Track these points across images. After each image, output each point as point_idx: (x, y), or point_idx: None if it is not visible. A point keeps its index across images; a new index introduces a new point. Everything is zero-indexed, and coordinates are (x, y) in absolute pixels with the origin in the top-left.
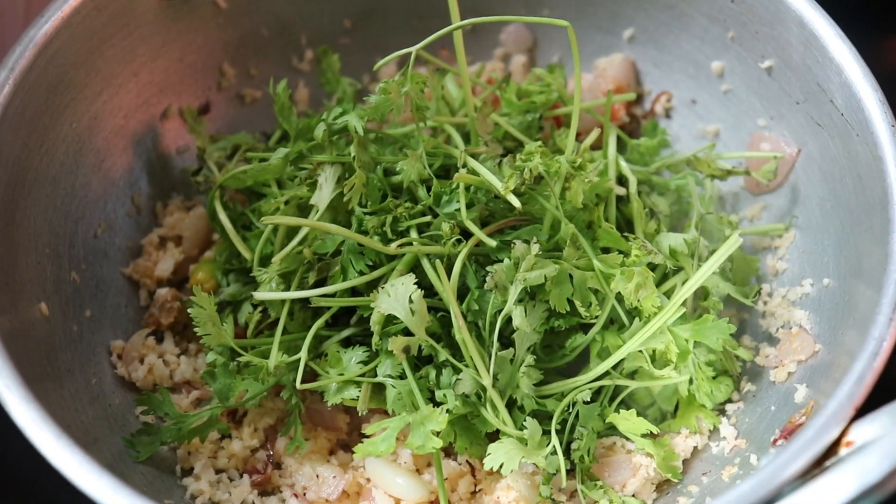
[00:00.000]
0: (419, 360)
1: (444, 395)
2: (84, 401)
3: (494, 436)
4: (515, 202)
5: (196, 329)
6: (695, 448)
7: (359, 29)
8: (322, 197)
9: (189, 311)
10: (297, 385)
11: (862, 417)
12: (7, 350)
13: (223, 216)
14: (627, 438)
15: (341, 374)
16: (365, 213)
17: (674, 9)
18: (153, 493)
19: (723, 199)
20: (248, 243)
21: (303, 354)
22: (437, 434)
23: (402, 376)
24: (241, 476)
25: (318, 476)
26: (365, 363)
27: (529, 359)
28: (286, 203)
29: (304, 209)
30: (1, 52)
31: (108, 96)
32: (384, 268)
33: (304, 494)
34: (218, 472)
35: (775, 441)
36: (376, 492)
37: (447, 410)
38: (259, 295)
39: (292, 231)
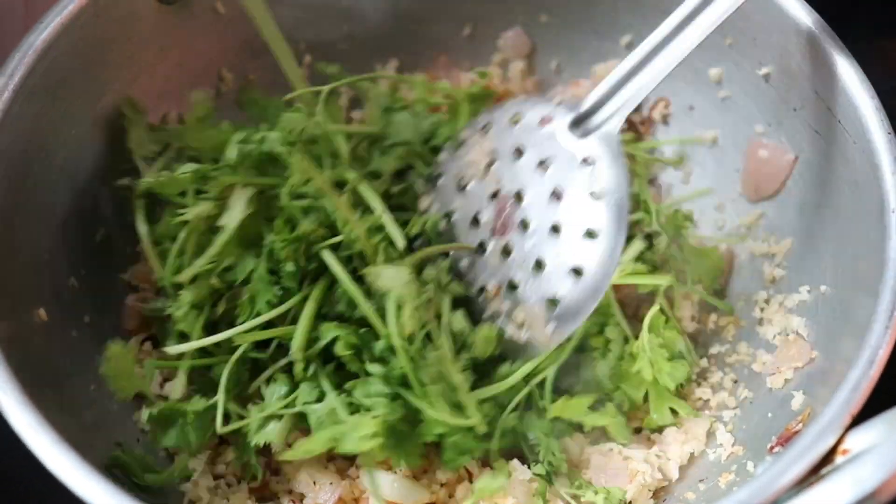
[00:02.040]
0: (341, 379)
1: (373, 404)
2: (82, 406)
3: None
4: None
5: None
6: (691, 454)
7: (357, 34)
8: (232, 217)
9: (101, 370)
10: (218, 430)
11: (858, 425)
12: (5, 356)
13: (143, 227)
14: (624, 445)
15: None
16: (279, 241)
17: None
18: (150, 498)
19: (721, 207)
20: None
21: (220, 397)
22: (373, 436)
23: (320, 399)
24: (239, 482)
25: (314, 483)
26: (289, 394)
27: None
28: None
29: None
30: (0, 57)
31: (107, 102)
32: (296, 297)
33: (301, 501)
34: (216, 478)
35: (772, 448)
36: (373, 498)
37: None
38: (169, 349)
39: (201, 251)
